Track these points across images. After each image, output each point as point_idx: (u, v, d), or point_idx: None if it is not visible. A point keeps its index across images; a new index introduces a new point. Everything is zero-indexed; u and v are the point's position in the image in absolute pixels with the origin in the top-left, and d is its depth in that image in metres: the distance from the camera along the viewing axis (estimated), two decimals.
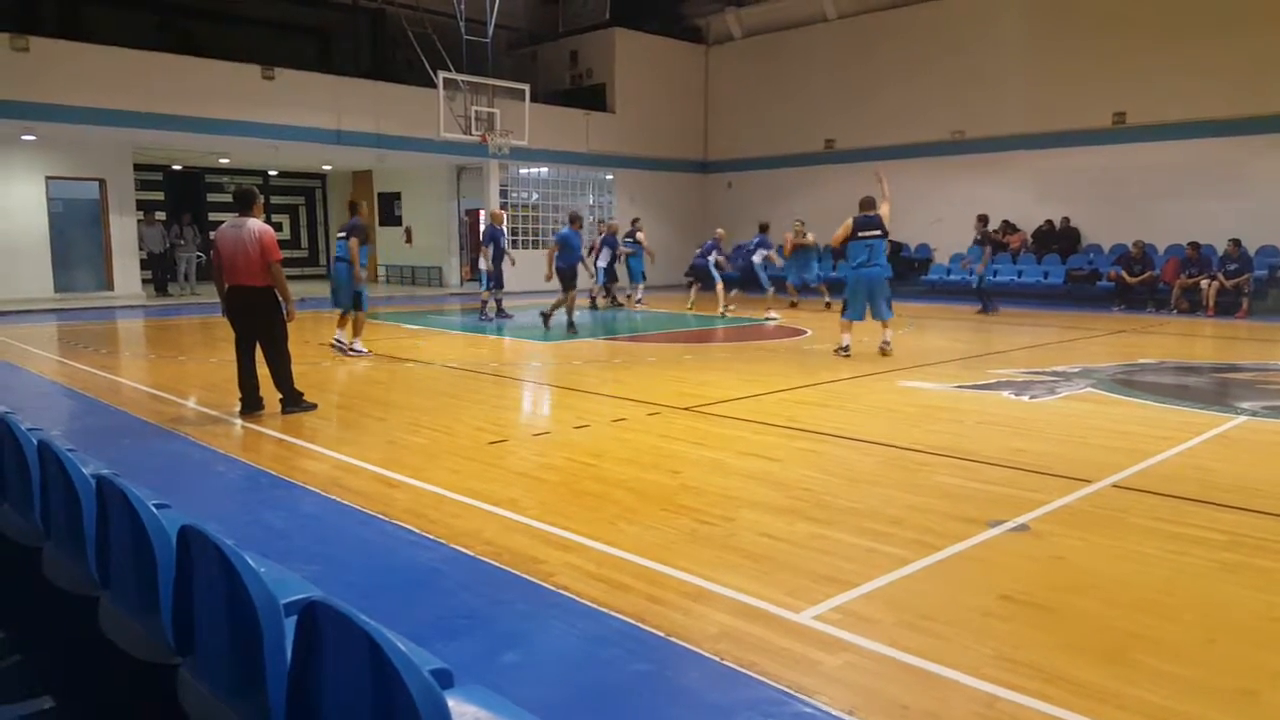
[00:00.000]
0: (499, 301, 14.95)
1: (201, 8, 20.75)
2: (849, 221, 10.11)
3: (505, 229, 15.64)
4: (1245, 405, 7.38)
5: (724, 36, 25.01)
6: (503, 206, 22.09)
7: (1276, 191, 16.35)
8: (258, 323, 6.85)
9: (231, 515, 4.63)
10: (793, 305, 17.71)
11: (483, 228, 16.08)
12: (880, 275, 10.13)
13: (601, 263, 16.92)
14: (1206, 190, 16.98)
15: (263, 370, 6.97)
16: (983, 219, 16.36)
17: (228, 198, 25.19)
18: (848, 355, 10.14)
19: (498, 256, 14.29)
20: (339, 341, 10.52)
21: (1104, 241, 18.55)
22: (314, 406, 7.13)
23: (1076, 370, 9.20)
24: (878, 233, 10.05)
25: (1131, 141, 17.88)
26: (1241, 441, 6.20)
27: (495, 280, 14.40)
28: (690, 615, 3.29)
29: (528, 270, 21.49)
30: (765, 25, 23.83)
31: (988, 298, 16.34)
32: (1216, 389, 8.56)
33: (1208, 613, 3.33)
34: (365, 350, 10.41)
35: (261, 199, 7.06)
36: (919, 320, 14.90)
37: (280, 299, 6.83)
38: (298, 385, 7.11)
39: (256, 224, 6.75)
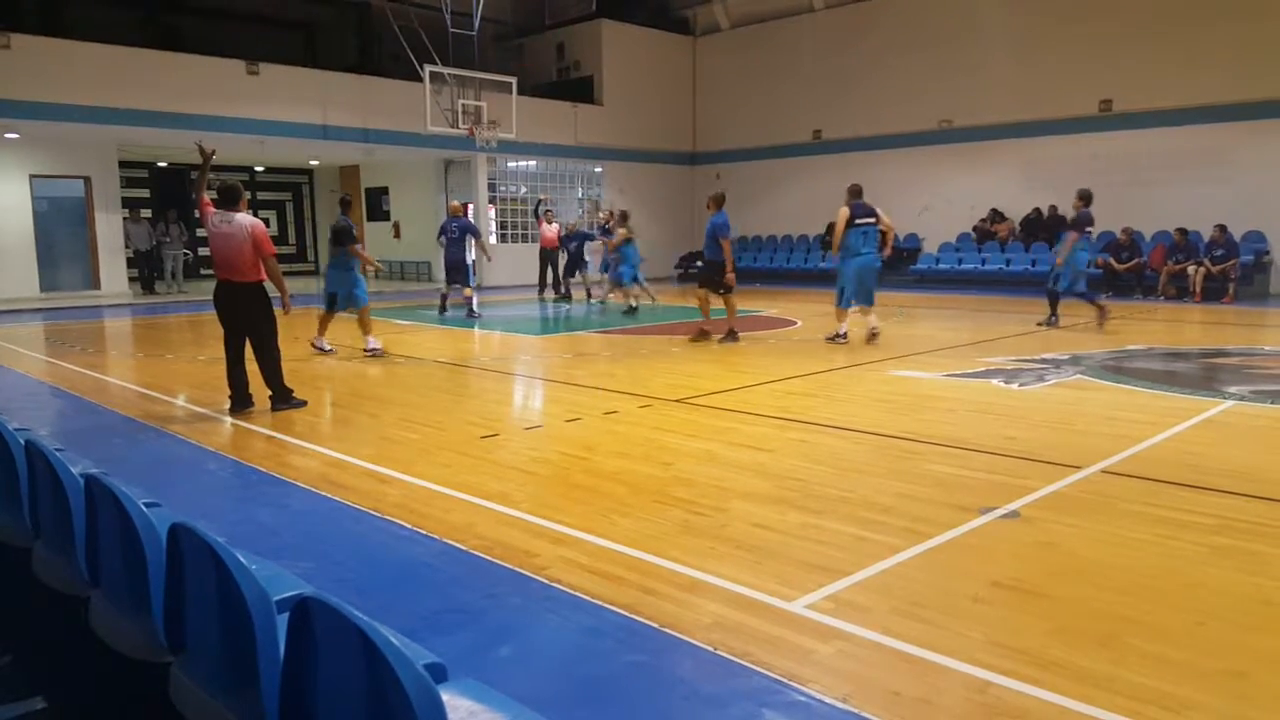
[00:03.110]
0: (443, 298, 14.59)
1: (185, 3, 20.61)
2: (845, 210, 10.13)
3: (481, 221, 15.06)
4: (1232, 390, 7.42)
5: (711, 27, 24.98)
6: (491, 200, 22.04)
7: (1262, 177, 16.44)
8: (248, 319, 6.81)
9: (222, 513, 4.61)
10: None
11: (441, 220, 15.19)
12: (875, 263, 10.35)
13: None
14: (1193, 177, 17.07)
15: (252, 367, 6.94)
16: (1083, 196, 12.00)
17: (214, 195, 25.06)
18: (845, 342, 10.29)
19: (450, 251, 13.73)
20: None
21: (1091, 229, 18.58)
22: (304, 403, 7.10)
23: (1065, 357, 9.24)
24: (873, 220, 10.24)
25: (1118, 129, 17.95)
26: (1229, 426, 6.24)
27: (451, 276, 13.92)
28: (683, 606, 3.30)
29: (518, 265, 21.52)
30: (752, 16, 23.81)
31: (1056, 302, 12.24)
32: (1204, 374, 8.61)
33: (1197, 596, 3.35)
34: (330, 348, 10.18)
35: (246, 195, 7.03)
36: (908, 310, 14.93)
37: (277, 293, 6.83)
38: (288, 382, 7.09)
39: (247, 219, 6.70)
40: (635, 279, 15.40)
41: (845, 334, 10.40)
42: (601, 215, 18.50)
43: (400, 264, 24.84)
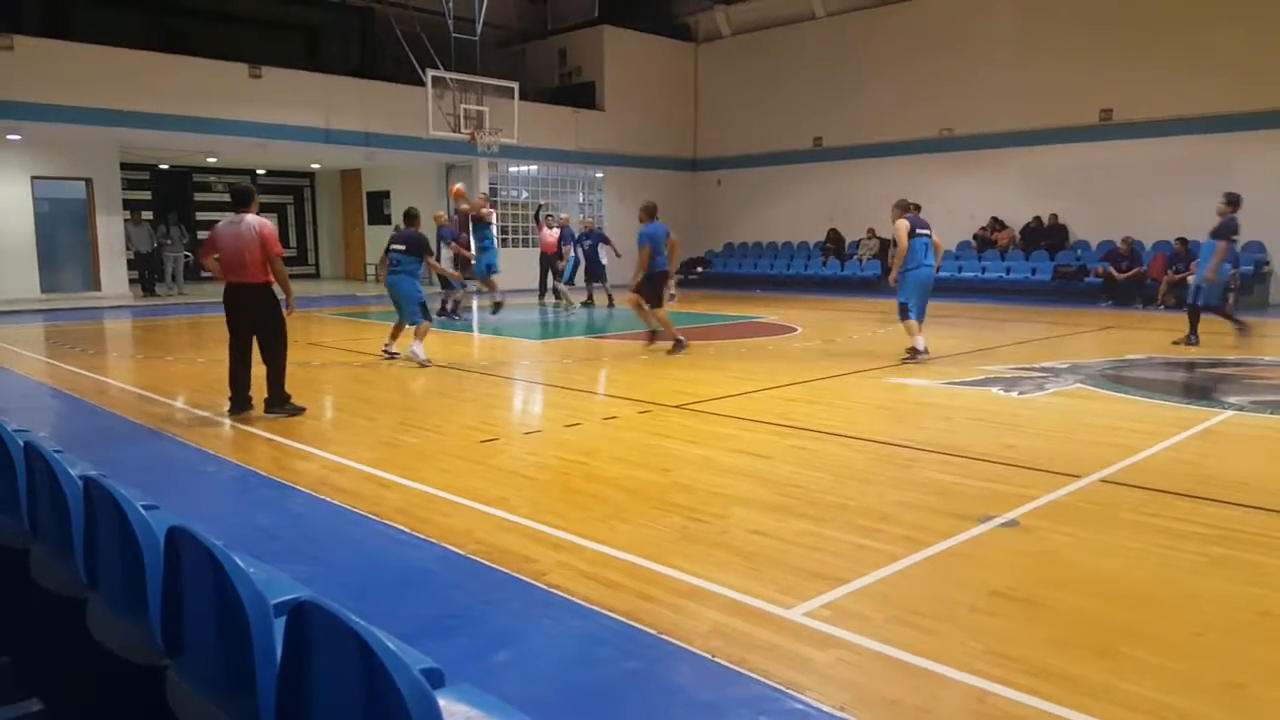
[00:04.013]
0: (444, 301, 14.73)
1: (188, 6, 20.65)
2: (904, 222, 9.61)
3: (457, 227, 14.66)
4: (1232, 400, 7.42)
5: (713, 34, 25.03)
6: (492, 205, 22.05)
7: (1263, 187, 16.42)
8: (259, 320, 6.76)
9: (221, 516, 4.61)
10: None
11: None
12: (933, 275, 9.90)
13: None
14: (1193, 186, 17.04)
15: (256, 370, 6.89)
16: (1231, 200, 11.07)
17: (216, 197, 25.09)
18: (927, 356, 9.63)
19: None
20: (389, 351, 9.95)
21: (1092, 238, 18.64)
22: (301, 410, 6.94)
23: (1065, 366, 9.24)
24: (928, 231, 9.83)
25: (1119, 138, 17.98)
26: (1228, 436, 6.24)
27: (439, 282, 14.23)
28: (682, 613, 3.29)
29: (519, 270, 21.54)
30: (754, 23, 23.87)
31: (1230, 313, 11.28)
32: (1203, 384, 8.61)
33: (1196, 606, 3.35)
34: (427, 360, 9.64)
35: (258, 198, 7.01)
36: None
37: (282, 294, 6.80)
38: (287, 386, 7.04)
39: (256, 219, 6.68)
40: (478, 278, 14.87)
41: (925, 348, 9.67)
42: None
43: None
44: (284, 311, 6.90)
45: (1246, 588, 3.51)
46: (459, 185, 15.33)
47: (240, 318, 6.80)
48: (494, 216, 15.13)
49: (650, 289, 10.47)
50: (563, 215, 18.30)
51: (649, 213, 10.64)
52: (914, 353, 9.67)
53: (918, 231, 9.65)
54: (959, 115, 20.13)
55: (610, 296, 17.22)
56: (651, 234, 10.37)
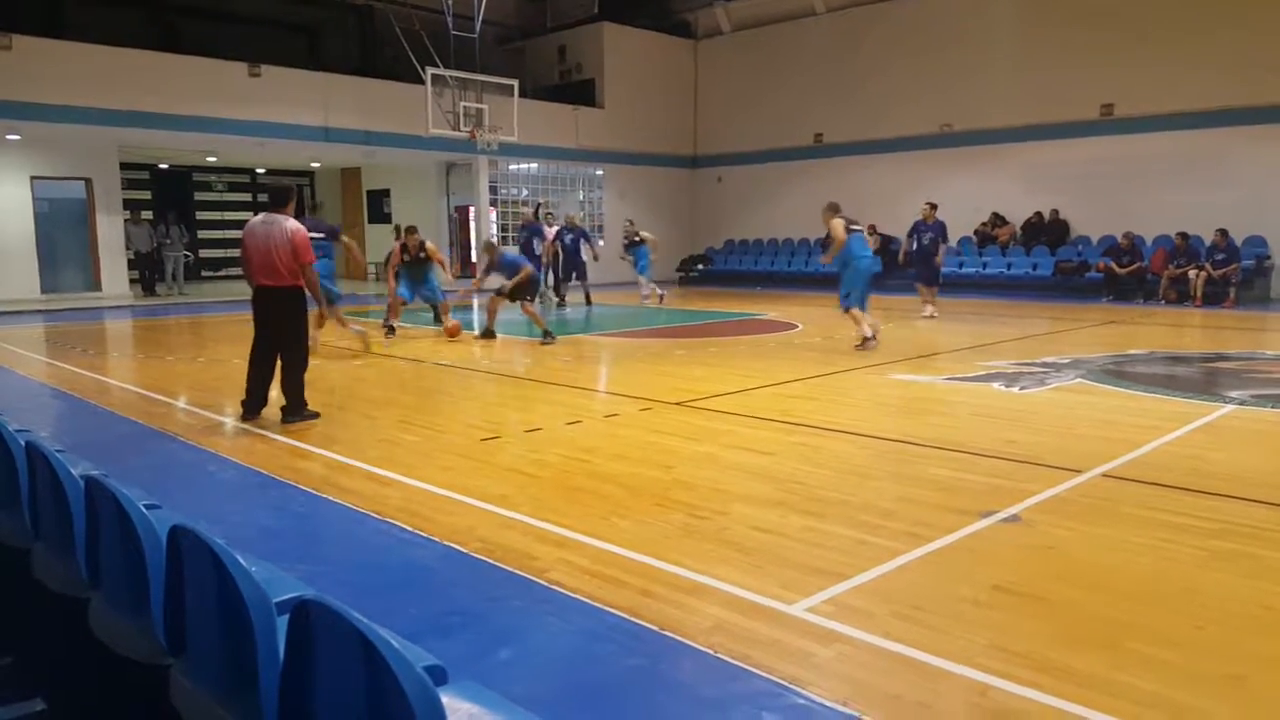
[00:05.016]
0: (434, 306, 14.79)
1: (187, 5, 20.64)
2: (839, 220, 10.18)
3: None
4: (1233, 394, 7.42)
5: (713, 31, 25.00)
6: (492, 203, 22.05)
7: (1263, 182, 16.44)
8: (282, 325, 6.57)
9: (222, 515, 4.61)
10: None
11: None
12: (878, 266, 10.63)
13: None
14: (1194, 181, 17.08)
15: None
16: None
17: (215, 196, 25.10)
18: (876, 343, 10.18)
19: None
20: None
21: (1092, 233, 18.63)
22: (316, 416, 6.75)
23: (1066, 361, 9.24)
24: (860, 227, 10.69)
25: (1119, 133, 17.97)
26: (1230, 430, 6.24)
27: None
28: (684, 609, 3.30)
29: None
30: (754, 19, 23.84)
31: None
32: (1205, 378, 8.60)
33: (1197, 600, 3.35)
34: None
35: (296, 196, 6.76)
36: (908, 313, 14.92)
37: (314, 300, 6.63)
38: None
39: (291, 223, 6.45)
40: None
41: (874, 335, 10.25)
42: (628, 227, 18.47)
43: None
44: (308, 319, 6.67)
45: (1247, 581, 3.52)
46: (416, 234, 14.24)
47: (267, 322, 6.60)
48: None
49: (530, 290, 11.35)
50: (525, 212, 17.93)
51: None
52: (866, 340, 10.14)
53: (852, 228, 10.29)
54: (960, 111, 20.11)
55: (588, 295, 17.13)
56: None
